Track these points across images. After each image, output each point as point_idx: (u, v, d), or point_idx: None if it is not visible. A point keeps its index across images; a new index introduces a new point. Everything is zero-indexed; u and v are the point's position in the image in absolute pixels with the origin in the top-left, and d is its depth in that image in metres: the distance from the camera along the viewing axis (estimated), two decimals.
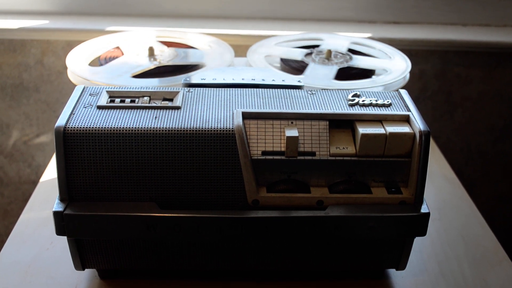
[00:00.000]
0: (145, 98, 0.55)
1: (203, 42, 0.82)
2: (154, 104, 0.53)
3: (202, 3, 1.02)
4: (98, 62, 0.74)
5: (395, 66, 0.74)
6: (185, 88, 0.57)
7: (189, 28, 0.96)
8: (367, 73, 0.73)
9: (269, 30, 0.97)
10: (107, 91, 0.55)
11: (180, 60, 0.73)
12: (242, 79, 0.61)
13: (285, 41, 0.84)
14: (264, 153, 0.50)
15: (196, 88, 0.57)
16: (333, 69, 0.71)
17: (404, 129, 0.51)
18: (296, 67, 0.73)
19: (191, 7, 1.02)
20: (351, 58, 0.75)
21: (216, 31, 0.96)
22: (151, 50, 0.74)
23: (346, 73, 0.71)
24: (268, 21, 1.03)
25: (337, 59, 0.74)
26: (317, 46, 0.81)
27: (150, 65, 0.70)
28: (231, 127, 0.50)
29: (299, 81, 0.61)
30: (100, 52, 0.77)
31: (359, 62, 0.75)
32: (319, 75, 0.69)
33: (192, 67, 0.72)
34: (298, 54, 0.76)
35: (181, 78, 0.63)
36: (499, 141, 1.11)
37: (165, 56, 0.73)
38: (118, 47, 0.78)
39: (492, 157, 1.13)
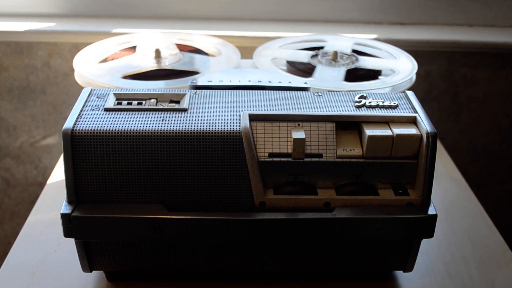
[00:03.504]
0: (152, 100, 0.55)
1: (210, 43, 0.82)
2: (161, 106, 0.53)
3: (207, 4, 1.02)
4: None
5: (401, 66, 0.74)
6: (192, 90, 0.57)
7: (194, 30, 0.97)
8: (374, 74, 0.73)
9: (275, 31, 0.97)
10: (114, 93, 0.55)
11: (180, 65, 0.72)
12: (249, 81, 0.61)
13: (289, 43, 0.83)
14: (271, 155, 0.50)
15: (203, 90, 0.57)
16: (341, 71, 0.70)
17: (411, 130, 0.50)
18: (303, 69, 0.73)
19: (196, 8, 1.03)
20: (357, 59, 0.75)
21: (221, 33, 0.96)
22: (157, 52, 0.74)
23: (354, 75, 0.71)
24: (274, 22, 1.03)
25: (343, 60, 0.74)
26: (322, 47, 0.80)
27: (147, 67, 0.70)
28: (238, 129, 0.50)
29: (305, 83, 0.61)
30: (108, 54, 0.77)
31: (366, 63, 0.74)
32: (327, 77, 0.69)
33: (190, 73, 0.70)
34: (304, 56, 0.76)
35: (188, 80, 0.63)
36: (506, 142, 1.11)
37: (169, 59, 0.73)
38: (126, 49, 0.78)
39: (499, 157, 1.13)
